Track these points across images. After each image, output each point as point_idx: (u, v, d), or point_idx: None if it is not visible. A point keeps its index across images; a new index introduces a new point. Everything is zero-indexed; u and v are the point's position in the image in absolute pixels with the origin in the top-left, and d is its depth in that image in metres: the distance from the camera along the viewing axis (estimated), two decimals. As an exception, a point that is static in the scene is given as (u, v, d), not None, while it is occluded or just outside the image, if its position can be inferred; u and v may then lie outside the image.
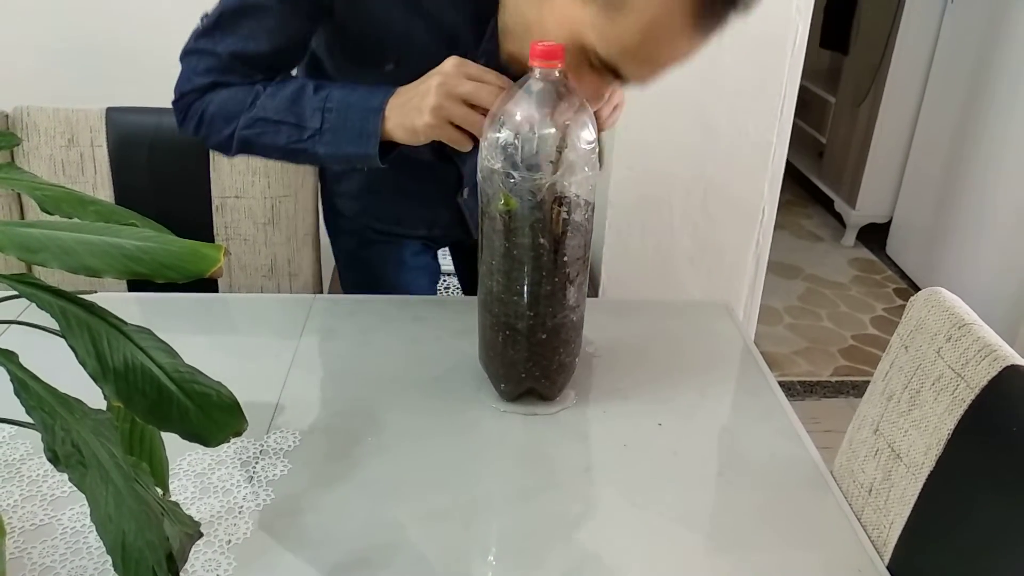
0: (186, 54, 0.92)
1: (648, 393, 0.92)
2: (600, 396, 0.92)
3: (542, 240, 0.79)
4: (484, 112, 0.80)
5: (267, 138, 0.89)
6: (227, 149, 0.92)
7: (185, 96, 0.92)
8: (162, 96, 1.28)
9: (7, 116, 1.23)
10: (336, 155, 0.88)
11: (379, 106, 0.85)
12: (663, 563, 0.71)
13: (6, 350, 0.48)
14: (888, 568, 0.73)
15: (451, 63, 0.82)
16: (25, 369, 0.47)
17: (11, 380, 0.47)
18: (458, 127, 0.82)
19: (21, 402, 0.46)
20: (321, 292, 1.37)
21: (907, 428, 0.76)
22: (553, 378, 0.88)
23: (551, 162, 0.77)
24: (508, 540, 0.73)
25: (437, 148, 0.86)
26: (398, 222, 1.19)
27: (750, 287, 2.08)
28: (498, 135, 0.77)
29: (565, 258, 0.81)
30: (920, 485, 0.73)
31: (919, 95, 2.93)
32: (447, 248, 1.35)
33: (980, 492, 0.68)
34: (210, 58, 0.90)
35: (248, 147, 0.91)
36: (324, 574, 0.68)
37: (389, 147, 0.88)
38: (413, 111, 0.83)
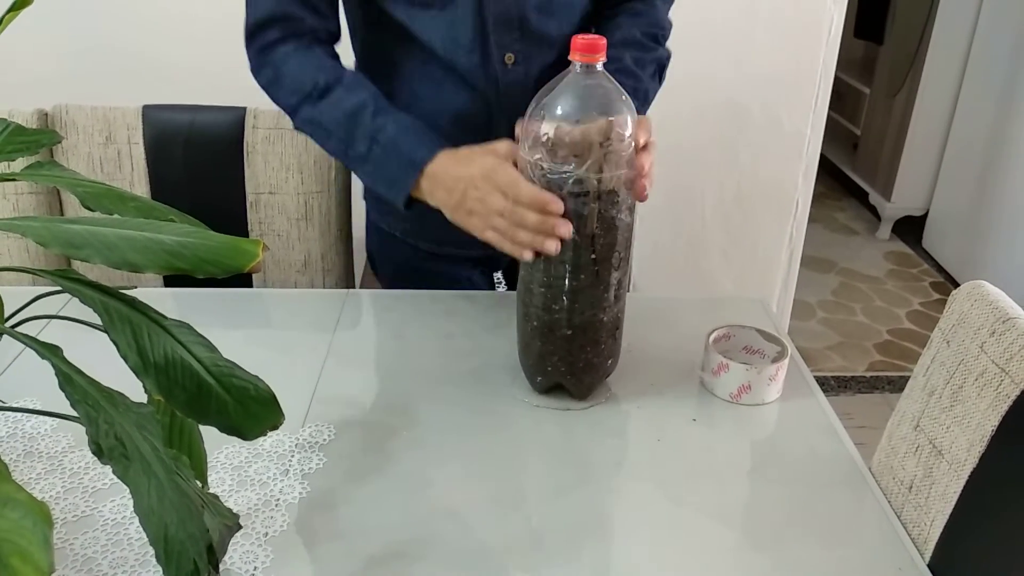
0: None
1: (682, 388, 0.92)
2: (634, 391, 0.91)
3: (572, 235, 0.79)
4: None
5: (318, 139, 0.97)
6: (289, 116, 0.97)
7: (255, 35, 0.95)
8: (196, 94, 1.30)
9: (46, 114, 1.25)
10: (371, 185, 0.94)
11: (420, 162, 0.87)
12: (698, 560, 0.70)
13: (51, 345, 0.48)
14: (929, 566, 0.72)
15: (494, 178, 0.82)
16: (70, 363, 0.48)
17: (56, 374, 0.47)
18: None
19: (66, 396, 0.47)
20: (353, 287, 1.38)
21: (949, 424, 0.75)
22: (580, 376, 0.87)
23: (580, 156, 0.76)
24: (542, 534, 0.73)
25: None
26: (450, 240, 1.07)
27: (783, 281, 2.06)
28: (539, 127, 0.77)
29: (593, 256, 0.80)
30: (962, 482, 0.72)
31: (956, 85, 2.88)
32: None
33: (1025, 490, 0.67)
34: None
35: (304, 132, 0.98)
36: (360, 566, 0.68)
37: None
38: (459, 204, 0.85)
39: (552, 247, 0.78)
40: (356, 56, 1.06)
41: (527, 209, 0.78)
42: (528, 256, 0.80)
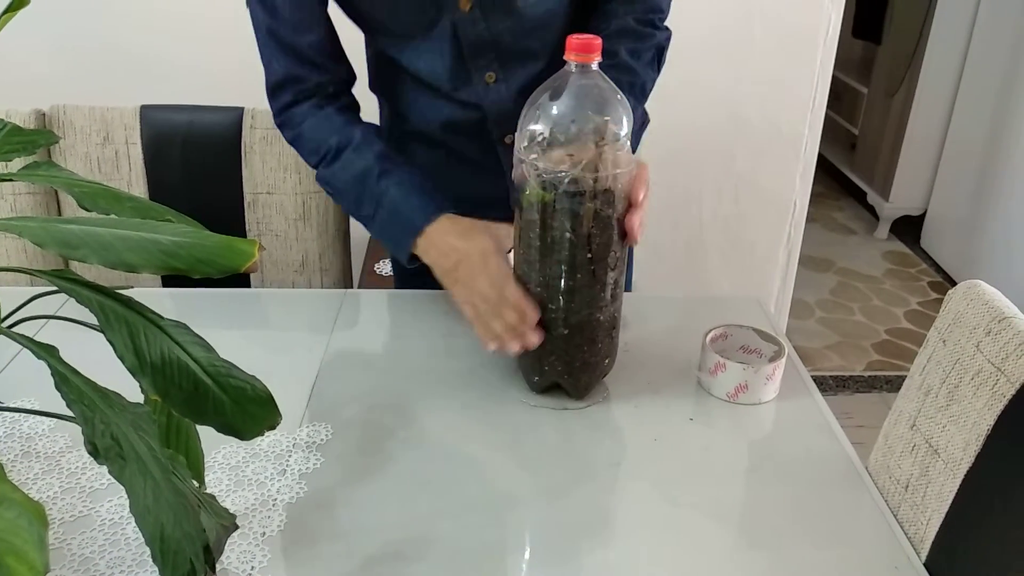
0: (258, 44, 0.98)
1: (679, 388, 0.92)
2: (631, 391, 0.91)
3: (568, 234, 0.79)
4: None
5: (333, 197, 1.04)
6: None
7: (274, 96, 0.99)
8: (194, 94, 1.30)
9: (44, 114, 1.25)
10: (379, 240, 1.00)
11: (419, 228, 0.91)
12: (695, 559, 0.71)
13: (47, 345, 0.48)
14: (925, 565, 0.72)
15: (486, 263, 0.86)
16: (66, 363, 0.48)
17: (52, 374, 0.47)
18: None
19: (62, 396, 0.47)
20: (351, 287, 1.38)
21: (945, 423, 0.75)
22: (577, 376, 0.87)
23: (572, 156, 0.76)
24: (540, 534, 0.73)
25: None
26: None
27: (781, 281, 2.06)
28: (534, 127, 0.77)
29: (589, 255, 0.80)
30: (958, 481, 0.72)
31: (954, 85, 2.88)
32: None
33: (1020, 488, 0.67)
34: (279, 52, 0.96)
35: (322, 188, 1.03)
36: (357, 567, 0.68)
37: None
38: (449, 271, 0.89)
39: (515, 348, 0.84)
40: (367, 67, 1.09)
41: (508, 307, 0.83)
42: (492, 347, 0.86)
